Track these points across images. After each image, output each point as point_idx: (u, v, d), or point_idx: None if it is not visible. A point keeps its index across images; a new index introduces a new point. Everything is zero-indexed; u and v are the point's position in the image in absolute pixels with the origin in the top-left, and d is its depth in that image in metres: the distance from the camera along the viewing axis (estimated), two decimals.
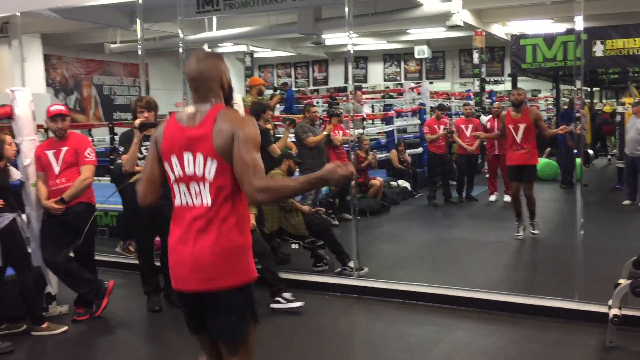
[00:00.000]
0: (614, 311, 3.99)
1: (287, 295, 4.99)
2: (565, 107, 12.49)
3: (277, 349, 4.21)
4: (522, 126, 6.99)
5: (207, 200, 2.37)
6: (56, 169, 4.79)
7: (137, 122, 4.72)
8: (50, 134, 5.14)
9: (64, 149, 4.80)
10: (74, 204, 4.76)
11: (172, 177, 2.46)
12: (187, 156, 2.39)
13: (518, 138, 7.00)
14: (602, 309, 4.34)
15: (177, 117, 2.48)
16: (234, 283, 2.38)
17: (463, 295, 4.98)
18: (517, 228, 7.13)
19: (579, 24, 4.73)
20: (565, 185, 10.55)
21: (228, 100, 2.51)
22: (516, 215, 7.15)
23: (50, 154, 4.80)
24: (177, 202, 2.46)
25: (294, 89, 20.25)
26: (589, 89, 17.47)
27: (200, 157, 2.36)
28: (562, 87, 14.88)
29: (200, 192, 2.38)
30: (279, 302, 4.96)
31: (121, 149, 5.19)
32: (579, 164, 5.19)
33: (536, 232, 7.07)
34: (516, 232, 7.12)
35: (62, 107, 4.92)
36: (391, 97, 14.54)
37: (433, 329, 4.49)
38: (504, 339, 4.31)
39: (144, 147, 4.78)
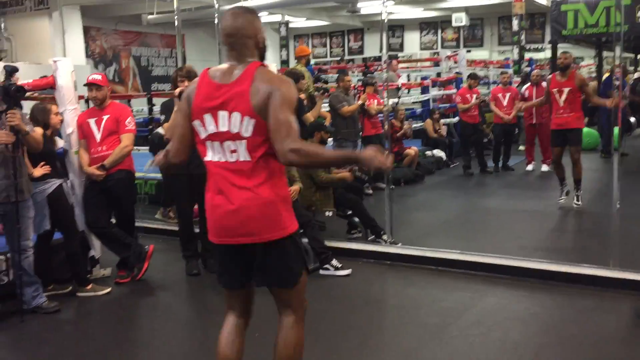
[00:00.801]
0: None
1: (335, 262, 5.08)
2: (608, 74, 12.16)
3: (310, 313, 4.30)
4: (566, 90, 6.84)
5: (246, 156, 2.36)
6: (97, 137, 4.93)
7: (177, 91, 4.83)
8: (92, 104, 5.29)
9: (105, 117, 4.94)
10: (114, 171, 4.92)
11: (202, 135, 2.43)
12: (222, 114, 2.36)
13: (561, 101, 6.86)
14: (637, 276, 4.32)
15: (211, 74, 2.43)
16: (279, 235, 2.41)
17: (496, 262, 5.00)
18: (560, 192, 7.06)
19: None
20: (606, 154, 10.34)
21: (263, 57, 2.48)
22: (559, 181, 7.07)
23: (92, 122, 4.95)
24: (208, 157, 2.44)
25: (329, 58, 20.21)
26: (633, 56, 16.95)
27: (236, 115, 2.34)
28: (605, 54, 14.45)
29: (236, 149, 2.36)
30: (327, 269, 5.06)
31: (162, 117, 5.33)
32: (617, 133, 5.12)
33: (579, 203, 6.92)
34: (559, 197, 7.05)
35: (98, 77, 5.02)
36: (437, 64, 14.25)
37: (465, 295, 4.54)
38: (536, 305, 4.33)
39: None
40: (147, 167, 2.91)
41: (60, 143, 5.01)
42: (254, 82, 2.33)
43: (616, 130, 5.25)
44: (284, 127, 2.28)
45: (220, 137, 2.39)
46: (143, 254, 5.07)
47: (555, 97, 6.91)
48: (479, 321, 4.05)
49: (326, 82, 8.46)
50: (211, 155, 2.44)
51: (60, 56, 6.17)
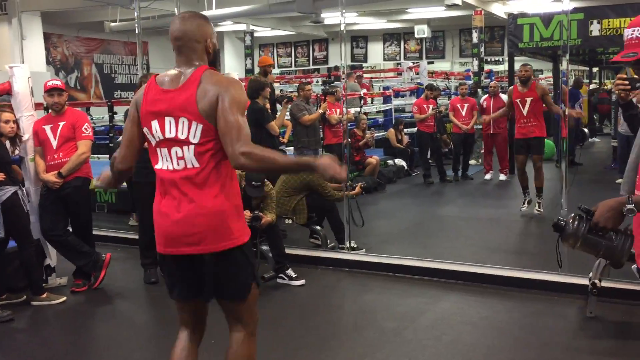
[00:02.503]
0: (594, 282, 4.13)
1: (289, 272, 5.09)
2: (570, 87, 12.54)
3: (268, 319, 4.34)
4: (528, 99, 7.11)
5: (194, 163, 2.30)
6: (54, 143, 4.90)
7: None
8: (50, 110, 5.24)
9: (61, 123, 4.91)
10: (71, 178, 4.89)
11: (152, 142, 2.37)
12: (169, 120, 2.30)
13: (525, 111, 7.12)
14: (585, 281, 4.47)
15: (158, 80, 2.37)
16: (227, 245, 2.34)
17: (451, 268, 5.12)
18: (523, 201, 7.29)
19: (567, 3, 4.84)
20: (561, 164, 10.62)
21: (213, 64, 2.41)
22: (522, 189, 7.31)
23: (47, 128, 4.91)
24: (158, 165, 2.38)
25: (293, 68, 20.32)
26: (587, 69, 17.48)
27: (183, 121, 2.28)
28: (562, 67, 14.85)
29: (183, 155, 2.30)
30: (282, 278, 5.08)
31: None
32: (566, 143, 5.40)
33: (541, 210, 7.15)
34: (522, 205, 7.28)
35: (58, 82, 5.03)
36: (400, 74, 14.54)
37: (420, 300, 4.63)
38: (488, 309, 4.45)
39: None
40: (96, 183, 2.80)
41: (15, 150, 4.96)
42: (201, 85, 2.27)
43: (565, 141, 5.50)
44: (235, 130, 2.22)
45: (167, 144, 2.33)
46: (100, 262, 5.04)
47: (519, 107, 7.15)
48: (433, 325, 4.15)
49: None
50: (160, 163, 2.38)
51: (19, 62, 6.10)
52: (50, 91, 4.89)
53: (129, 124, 2.45)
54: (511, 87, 7.66)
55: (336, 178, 2.27)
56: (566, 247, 3.52)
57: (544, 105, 7.26)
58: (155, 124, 2.34)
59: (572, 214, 2.27)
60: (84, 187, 5.02)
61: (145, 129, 2.38)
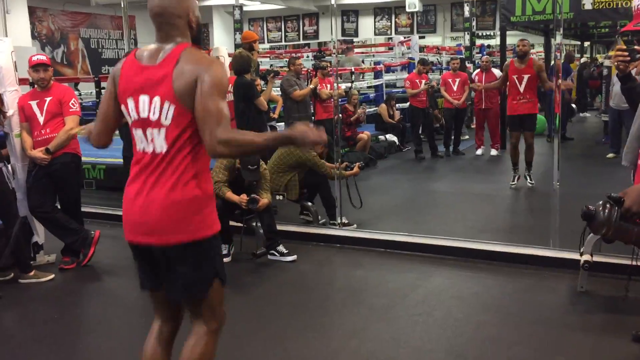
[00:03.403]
0: (585, 257, 4.12)
1: (281, 248, 5.06)
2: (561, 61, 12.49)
3: (259, 296, 4.35)
4: (525, 77, 7.16)
5: (163, 147, 2.15)
6: (40, 119, 4.81)
7: None
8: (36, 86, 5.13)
9: (48, 99, 4.82)
10: (59, 154, 4.82)
11: (129, 121, 2.24)
12: (143, 98, 2.16)
13: (521, 88, 7.15)
14: (576, 255, 4.47)
15: (137, 55, 2.24)
16: (186, 238, 2.19)
17: (443, 243, 5.11)
18: (513, 177, 7.38)
19: None
20: (552, 139, 10.62)
21: (196, 40, 2.26)
22: (513, 165, 7.39)
23: (34, 104, 4.82)
24: (137, 147, 2.25)
25: (283, 42, 20.11)
26: (579, 43, 17.40)
27: (157, 100, 2.14)
28: (554, 41, 14.77)
29: (154, 138, 2.16)
30: (274, 254, 5.05)
31: None
32: (558, 117, 5.35)
33: (532, 182, 7.29)
34: (512, 182, 7.37)
35: (43, 57, 4.92)
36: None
37: (411, 276, 4.62)
38: (479, 284, 4.45)
39: None
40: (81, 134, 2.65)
41: None
42: (179, 63, 2.12)
43: (557, 115, 5.45)
44: (214, 117, 2.05)
45: (142, 124, 2.19)
46: (89, 239, 4.99)
47: (515, 83, 7.16)
48: (424, 301, 4.14)
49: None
50: (137, 145, 2.25)
51: (2, 37, 5.96)
52: (35, 67, 4.78)
53: (106, 97, 2.32)
54: (508, 61, 7.62)
55: (317, 142, 2.12)
56: (598, 235, 3.48)
57: (539, 81, 7.27)
58: (131, 102, 2.21)
59: (600, 202, 2.24)
60: (72, 164, 4.95)
61: (122, 107, 2.25)
